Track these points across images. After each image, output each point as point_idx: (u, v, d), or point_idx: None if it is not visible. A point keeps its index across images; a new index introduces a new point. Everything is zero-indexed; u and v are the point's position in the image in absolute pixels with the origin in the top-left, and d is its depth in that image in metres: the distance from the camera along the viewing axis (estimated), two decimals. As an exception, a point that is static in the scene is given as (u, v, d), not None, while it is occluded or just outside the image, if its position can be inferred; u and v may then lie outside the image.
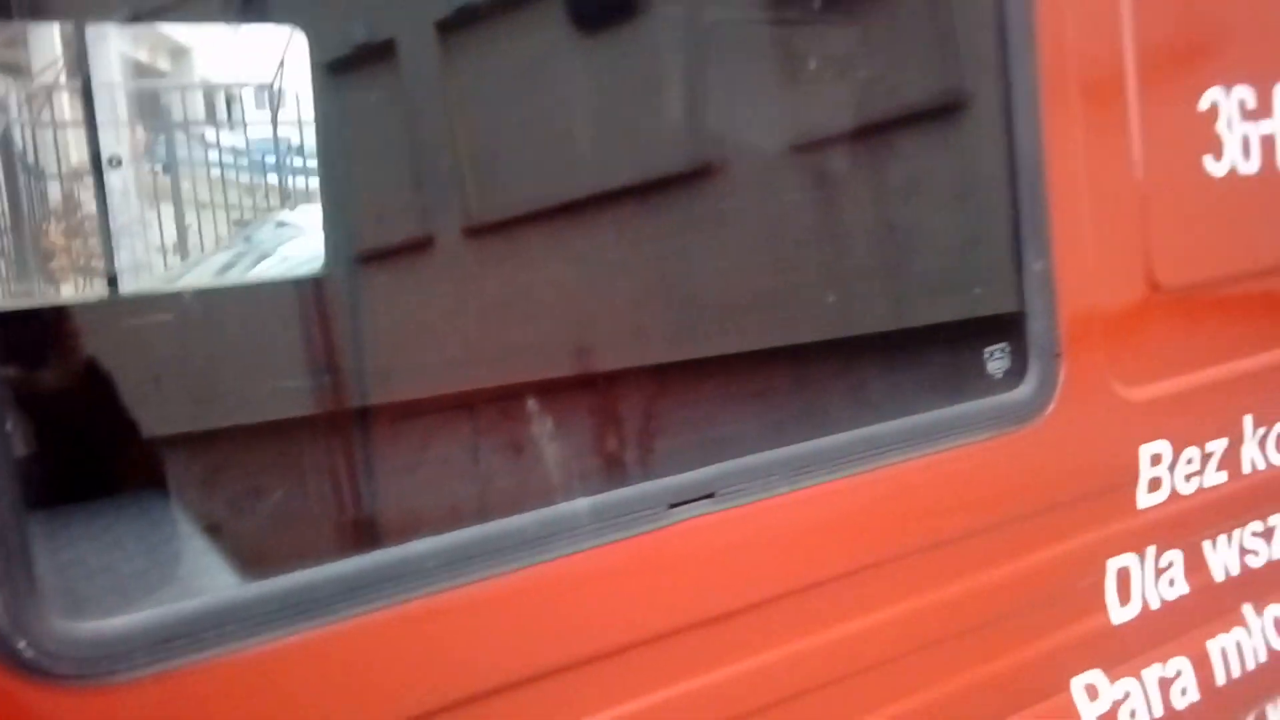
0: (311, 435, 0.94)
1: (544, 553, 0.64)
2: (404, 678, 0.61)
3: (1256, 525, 1.07)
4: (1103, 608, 0.95)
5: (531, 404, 0.75)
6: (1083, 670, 0.93)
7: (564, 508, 0.65)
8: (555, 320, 0.99)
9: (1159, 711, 0.97)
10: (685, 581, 0.72)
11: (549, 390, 0.83)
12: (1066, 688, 0.92)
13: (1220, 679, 1.03)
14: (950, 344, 0.92)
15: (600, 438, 0.86)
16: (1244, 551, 1.06)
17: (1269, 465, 1.07)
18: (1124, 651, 0.96)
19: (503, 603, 0.64)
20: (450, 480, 0.84)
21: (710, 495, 0.71)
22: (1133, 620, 0.97)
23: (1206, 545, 1.03)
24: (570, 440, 0.78)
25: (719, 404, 0.85)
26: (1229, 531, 1.04)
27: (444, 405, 1.03)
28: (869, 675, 0.83)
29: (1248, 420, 1.05)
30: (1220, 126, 1.02)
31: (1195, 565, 1.02)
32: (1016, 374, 0.89)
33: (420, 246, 1.37)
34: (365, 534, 0.87)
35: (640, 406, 0.87)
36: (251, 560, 0.73)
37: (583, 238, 1.02)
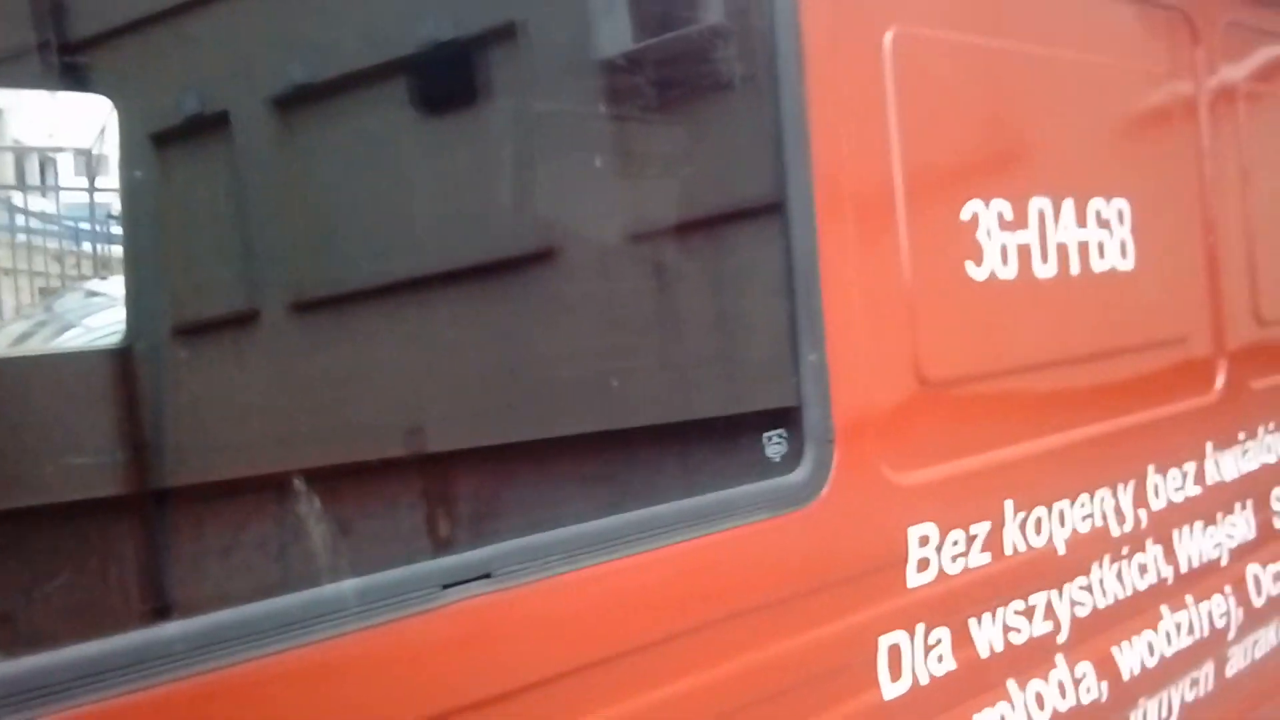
0: (96, 517, 0.90)
1: (307, 635, 0.63)
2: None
3: (1019, 604, 1.15)
4: (875, 684, 1.00)
5: (301, 484, 0.74)
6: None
7: (329, 589, 0.65)
8: (353, 400, 0.99)
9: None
10: (460, 662, 0.72)
11: (333, 472, 0.82)
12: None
13: (984, 756, 1.09)
14: (735, 430, 0.96)
15: (383, 519, 0.85)
16: (1007, 629, 1.13)
17: (1029, 547, 1.16)
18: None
19: (262, 687, 0.62)
20: (228, 563, 0.81)
21: (487, 575, 0.72)
22: (903, 696, 1.02)
23: (972, 623, 1.09)
24: (349, 521, 0.78)
25: (507, 485, 0.86)
26: (993, 609, 1.11)
27: (237, 487, 1.00)
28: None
29: (1009, 504, 1.13)
30: (980, 235, 1.12)
31: (962, 642, 1.08)
32: (793, 459, 0.94)
33: (241, 321, 1.33)
34: (128, 615, 0.83)
35: (428, 488, 0.87)
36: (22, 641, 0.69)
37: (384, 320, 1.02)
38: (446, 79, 1.07)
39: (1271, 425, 1.59)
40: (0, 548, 0.85)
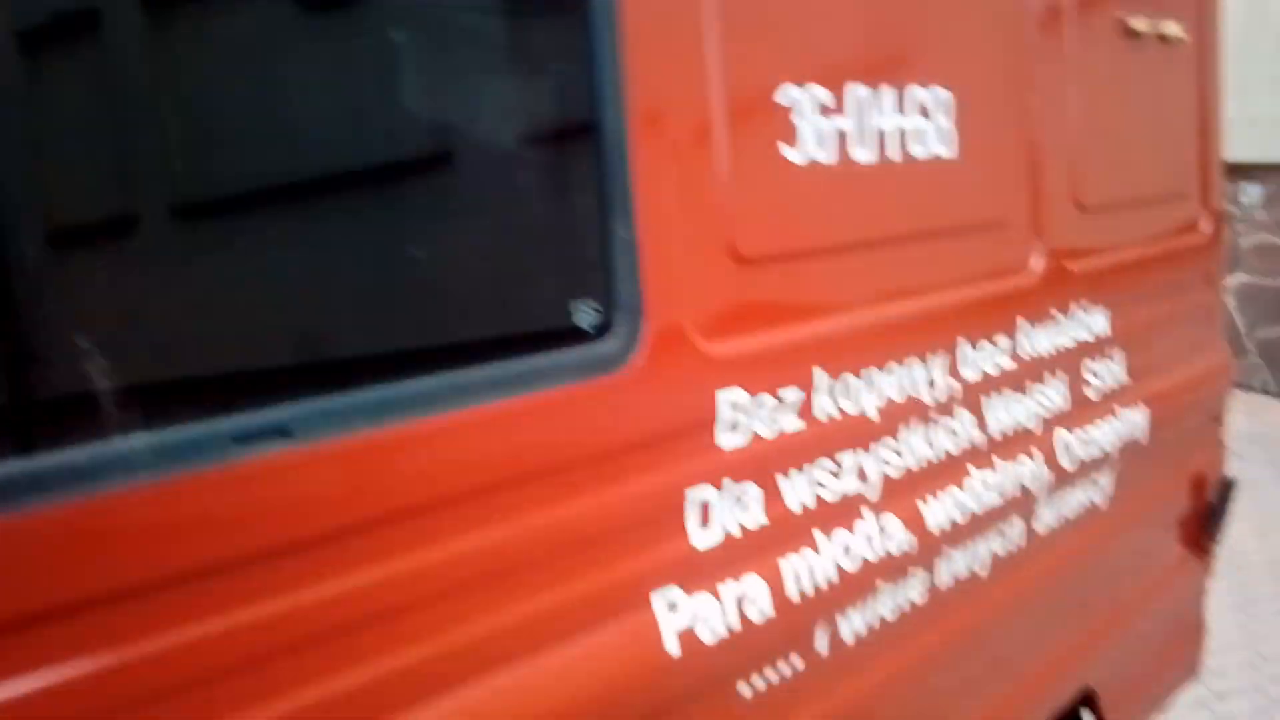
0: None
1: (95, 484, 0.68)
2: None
3: (828, 464, 1.25)
4: (685, 534, 1.09)
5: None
6: (663, 586, 1.07)
7: (122, 441, 0.70)
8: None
9: (735, 624, 1.12)
10: (254, 517, 0.78)
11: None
12: (648, 602, 1.06)
13: (794, 596, 1.20)
14: (550, 303, 1.02)
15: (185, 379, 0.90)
16: (816, 486, 1.24)
17: (840, 412, 1.26)
18: (703, 572, 1.11)
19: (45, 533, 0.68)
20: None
21: (286, 433, 0.78)
22: (713, 546, 1.12)
23: (781, 480, 1.19)
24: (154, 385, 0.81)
25: (316, 346, 0.90)
26: (802, 468, 1.22)
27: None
28: (467, 593, 0.92)
29: (819, 373, 1.22)
30: (796, 119, 1.18)
31: (771, 498, 1.18)
32: (604, 328, 1.01)
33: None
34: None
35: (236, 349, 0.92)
36: None
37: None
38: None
39: (1086, 304, 1.72)
40: None
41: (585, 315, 0.99)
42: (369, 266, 0.89)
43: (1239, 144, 8.11)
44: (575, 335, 0.99)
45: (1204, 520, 2.21)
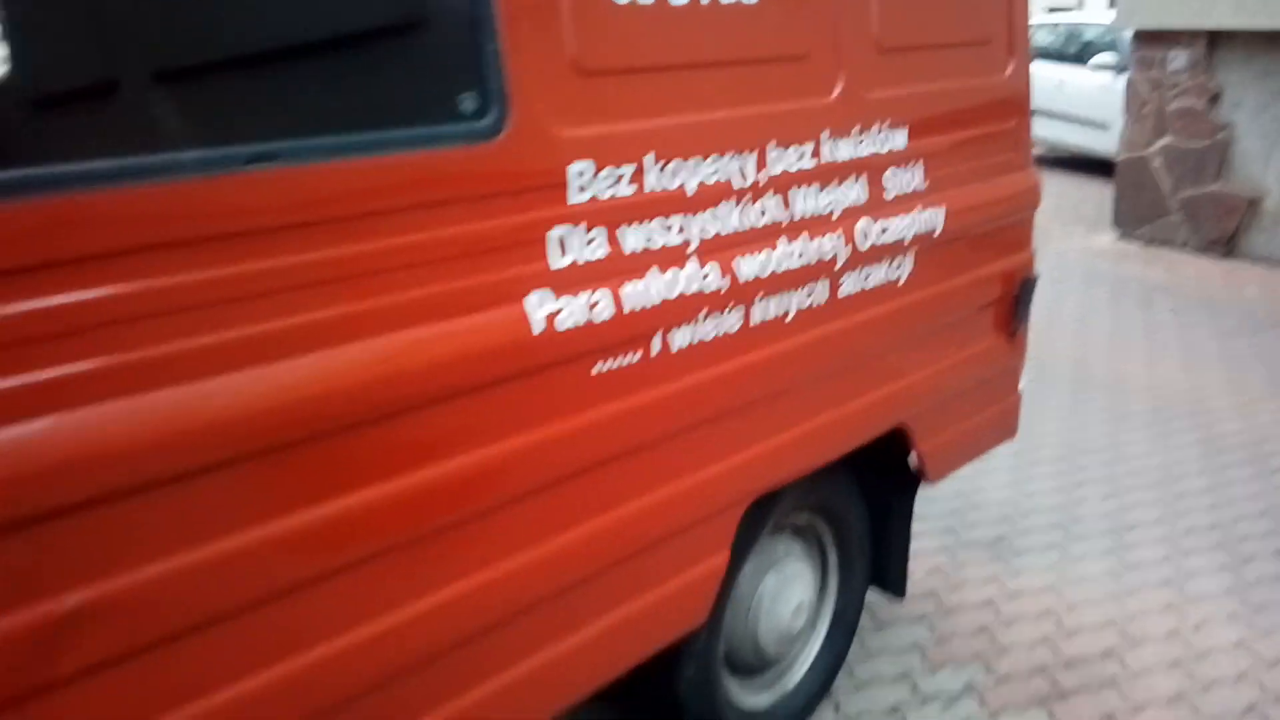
0: None
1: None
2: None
3: (659, 221, 1.79)
4: (546, 258, 1.64)
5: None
6: (531, 291, 1.61)
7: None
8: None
9: (584, 320, 1.68)
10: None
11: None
12: (520, 300, 1.60)
13: (634, 308, 1.75)
14: (440, 95, 1.54)
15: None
16: (648, 235, 1.78)
17: (664, 187, 1.79)
18: (561, 283, 1.65)
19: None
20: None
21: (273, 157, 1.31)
22: (568, 268, 1.66)
23: (622, 229, 1.73)
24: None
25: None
26: (637, 223, 1.76)
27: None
28: (396, 274, 1.45)
29: (650, 156, 1.76)
30: (622, -30, 1.69)
31: (613, 240, 1.72)
32: (482, 112, 1.53)
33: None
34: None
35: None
36: None
37: None
38: None
39: (884, 125, 2.25)
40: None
41: (467, 103, 1.51)
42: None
43: (1166, 11, 8.56)
44: (464, 116, 1.52)
45: (1010, 310, 2.79)
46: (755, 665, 2.56)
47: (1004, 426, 2.95)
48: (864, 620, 3.08)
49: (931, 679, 2.87)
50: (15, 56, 2.10)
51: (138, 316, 1.20)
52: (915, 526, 2.86)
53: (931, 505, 3.80)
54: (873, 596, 2.96)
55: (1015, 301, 2.79)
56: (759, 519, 2.30)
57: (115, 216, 1.19)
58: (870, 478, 2.66)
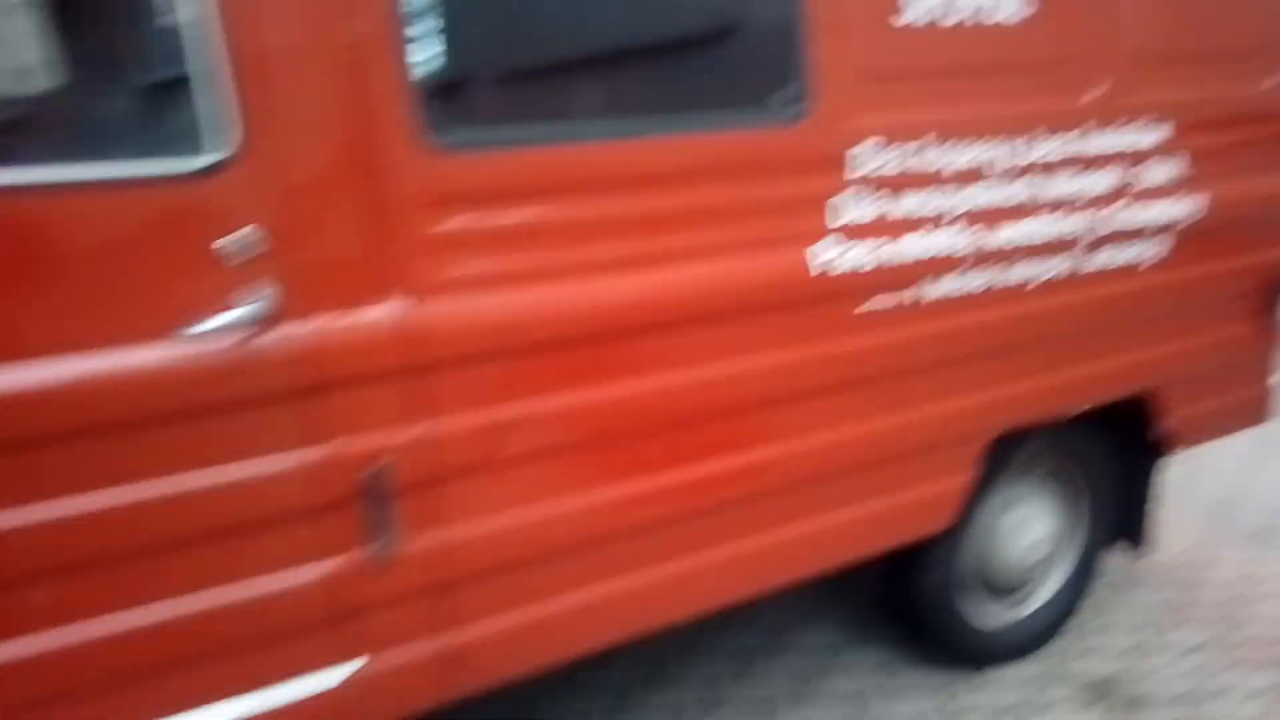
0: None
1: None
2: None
3: (926, 192, 2.27)
4: (826, 216, 2.16)
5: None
6: (814, 241, 2.15)
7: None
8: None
9: (856, 268, 2.19)
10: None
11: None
12: (804, 248, 2.14)
13: (901, 260, 2.24)
14: (765, 91, 2.11)
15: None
16: (917, 202, 2.25)
17: (925, 168, 2.26)
18: (839, 239, 2.18)
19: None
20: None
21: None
22: (843, 225, 2.18)
23: (889, 198, 2.22)
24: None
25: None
26: (902, 194, 2.24)
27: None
28: (708, 221, 2.04)
29: (915, 143, 2.24)
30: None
31: (881, 207, 2.22)
32: (790, 104, 2.09)
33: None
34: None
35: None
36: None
37: None
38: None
39: (1141, 125, 2.57)
40: None
41: (779, 97, 2.07)
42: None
43: None
44: (776, 106, 2.09)
45: (1265, 302, 2.98)
46: (993, 589, 2.95)
47: (1251, 413, 3.12)
48: (1119, 574, 3.37)
49: (1173, 632, 3.12)
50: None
51: (592, 228, 1.87)
52: (1185, 504, 3.10)
53: (1205, 487, 3.95)
54: (1128, 557, 3.24)
55: (1269, 295, 2.97)
56: (1005, 456, 2.70)
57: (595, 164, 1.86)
58: (1121, 439, 2.97)
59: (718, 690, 2.92)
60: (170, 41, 1.49)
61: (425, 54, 1.70)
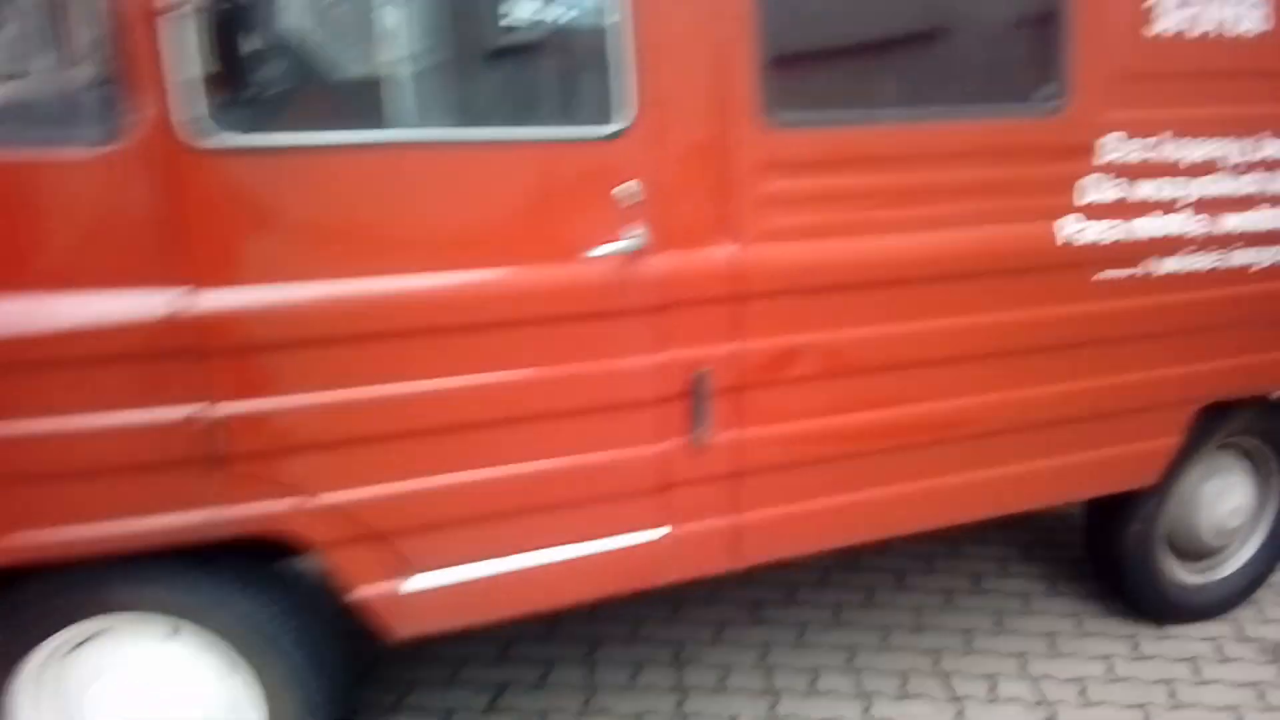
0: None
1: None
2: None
3: (1159, 180, 2.60)
4: (1073, 195, 2.52)
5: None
6: (1062, 216, 2.52)
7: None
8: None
9: (1096, 240, 2.54)
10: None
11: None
12: (1053, 221, 2.51)
13: (1135, 237, 2.58)
14: (1032, 86, 2.48)
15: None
16: (1154, 188, 2.59)
17: (1165, 158, 2.59)
18: (1084, 215, 2.53)
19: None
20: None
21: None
22: (1087, 204, 2.54)
23: (1131, 183, 2.56)
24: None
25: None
26: (1142, 180, 2.58)
27: None
28: (955, 196, 2.44)
29: (1156, 137, 2.57)
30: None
31: (1124, 190, 2.56)
32: (1053, 98, 2.46)
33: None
34: None
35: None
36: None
37: None
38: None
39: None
40: None
41: (1045, 91, 2.44)
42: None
43: None
44: (1040, 99, 2.45)
45: None
46: (1191, 550, 3.23)
47: None
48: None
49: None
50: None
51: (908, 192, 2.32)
52: None
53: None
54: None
55: None
56: (1210, 427, 2.99)
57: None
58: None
59: (923, 618, 3.31)
60: (596, 40, 2.00)
61: (765, 53, 2.15)
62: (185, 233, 1.80)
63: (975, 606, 3.37)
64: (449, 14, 2.12)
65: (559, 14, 2.02)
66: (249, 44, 1.78)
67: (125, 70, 1.73)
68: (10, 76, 1.91)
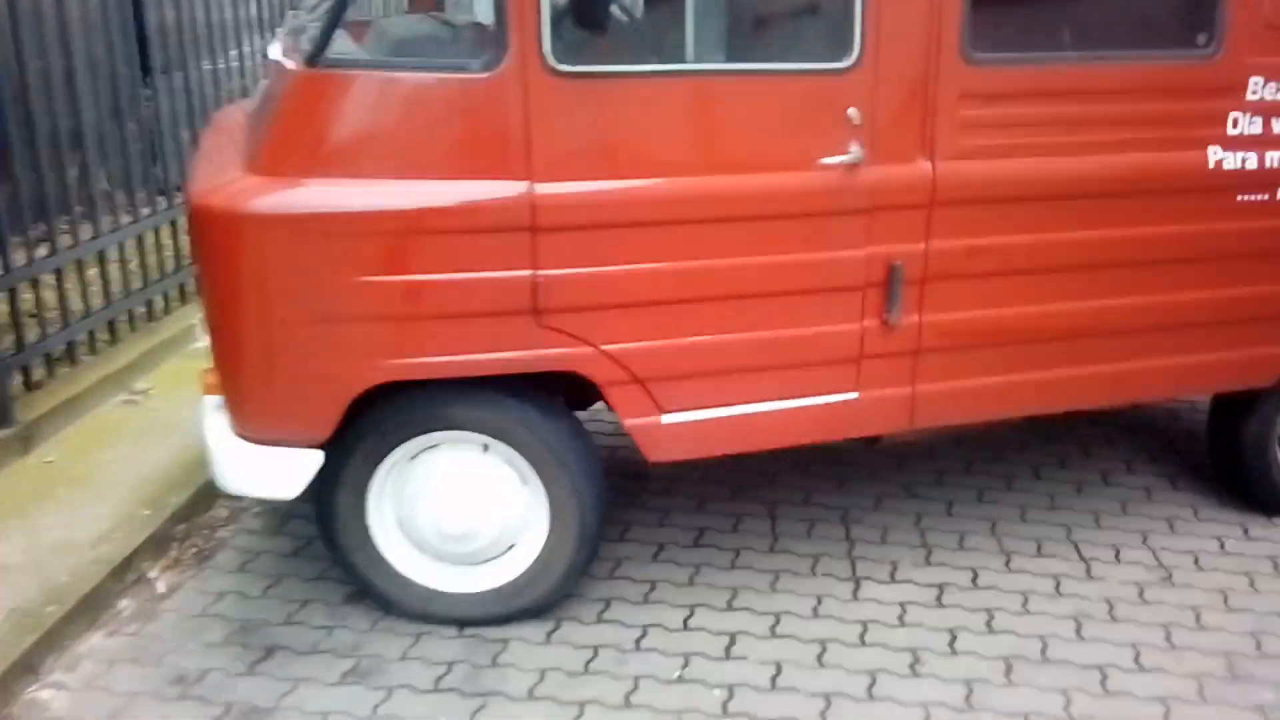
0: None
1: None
2: None
3: (1298, 119, 3.01)
4: (1225, 127, 2.96)
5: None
6: (1209, 145, 2.96)
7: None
8: None
9: (1242, 166, 2.98)
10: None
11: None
12: (1204, 148, 2.96)
13: (1267, 166, 3.02)
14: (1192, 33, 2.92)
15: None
16: (1289, 126, 3.01)
17: None
18: (1231, 145, 2.97)
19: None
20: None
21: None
22: (1236, 135, 2.97)
23: (1272, 118, 3.00)
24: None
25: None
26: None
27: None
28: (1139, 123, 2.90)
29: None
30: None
31: (1266, 125, 2.98)
32: (1210, 44, 2.89)
33: None
34: None
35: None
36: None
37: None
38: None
39: None
40: None
41: (1202, 38, 2.88)
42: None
43: None
44: (1199, 45, 2.89)
45: None
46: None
47: None
48: None
49: None
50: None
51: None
52: None
53: None
54: None
55: None
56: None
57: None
58: None
59: (1056, 501, 3.81)
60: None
61: (968, 3, 2.65)
62: (530, 140, 2.41)
63: (1104, 495, 3.86)
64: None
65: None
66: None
67: (507, 15, 2.34)
68: (423, 17, 2.54)
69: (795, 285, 2.72)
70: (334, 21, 2.33)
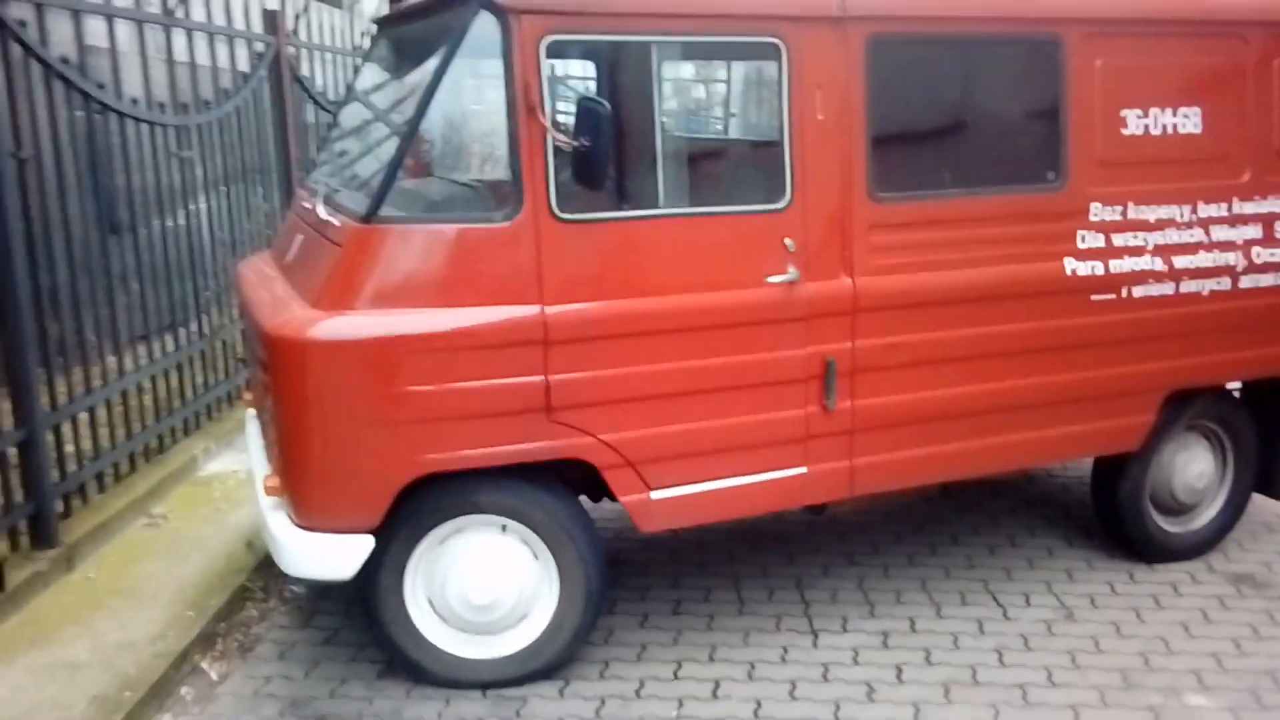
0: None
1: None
2: None
3: (1130, 234, 3.85)
4: (1075, 242, 3.77)
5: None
6: (1064, 256, 3.76)
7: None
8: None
9: (1090, 273, 3.78)
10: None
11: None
12: (1061, 259, 3.76)
13: (1109, 272, 3.83)
14: (1043, 171, 3.75)
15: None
16: (1124, 239, 3.84)
17: (1134, 217, 3.84)
18: (1081, 256, 3.78)
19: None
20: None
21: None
22: (1085, 249, 3.78)
23: (1112, 235, 3.82)
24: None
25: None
26: (1119, 233, 3.83)
27: None
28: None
29: (1128, 203, 3.83)
30: (1126, 122, 3.79)
31: (1107, 240, 3.80)
32: (1055, 179, 3.72)
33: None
34: None
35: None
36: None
37: None
38: None
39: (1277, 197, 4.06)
40: None
41: (1050, 175, 3.71)
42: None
43: None
44: (1047, 180, 3.72)
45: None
46: (1171, 506, 4.39)
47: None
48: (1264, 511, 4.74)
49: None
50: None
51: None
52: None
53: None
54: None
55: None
56: (1177, 413, 4.17)
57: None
58: (1263, 411, 4.38)
59: (973, 561, 4.47)
60: (773, 151, 3.30)
61: (869, 160, 3.43)
62: (542, 272, 3.06)
63: (1012, 554, 4.53)
64: (686, 137, 3.38)
65: (751, 136, 3.31)
66: (583, 162, 3.04)
67: (522, 176, 3.02)
68: (454, 179, 3.21)
69: (753, 379, 3.38)
70: (387, 187, 2.98)
